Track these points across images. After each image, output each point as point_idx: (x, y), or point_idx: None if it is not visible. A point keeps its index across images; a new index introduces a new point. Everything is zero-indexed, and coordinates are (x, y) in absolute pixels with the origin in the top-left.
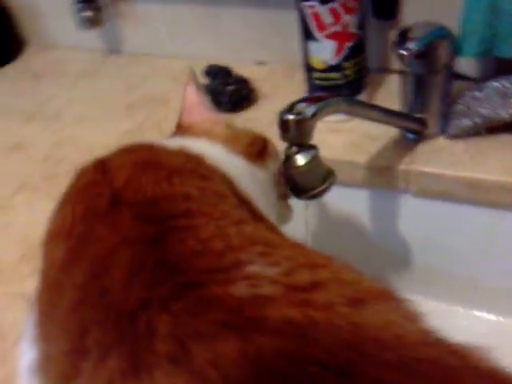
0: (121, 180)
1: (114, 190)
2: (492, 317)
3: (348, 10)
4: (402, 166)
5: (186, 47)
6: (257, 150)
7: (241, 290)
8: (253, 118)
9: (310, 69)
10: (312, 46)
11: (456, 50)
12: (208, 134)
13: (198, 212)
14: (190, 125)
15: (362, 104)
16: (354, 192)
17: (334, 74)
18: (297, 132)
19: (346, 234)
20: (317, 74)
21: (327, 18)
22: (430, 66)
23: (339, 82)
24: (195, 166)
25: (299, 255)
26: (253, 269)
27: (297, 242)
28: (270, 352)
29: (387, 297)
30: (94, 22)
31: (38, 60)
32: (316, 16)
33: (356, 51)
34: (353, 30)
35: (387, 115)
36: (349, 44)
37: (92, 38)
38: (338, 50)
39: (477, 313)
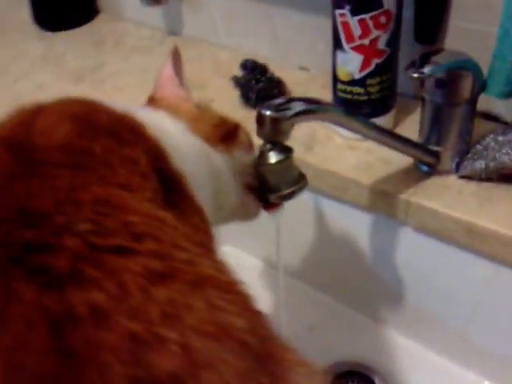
0: (41, 124)
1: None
2: (480, 379)
3: (378, 26)
4: (404, 196)
5: (237, 40)
6: (222, 133)
7: None
8: None
9: (335, 79)
10: (339, 56)
11: (482, 86)
12: (172, 109)
13: (86, 166)
14: (160, 98)
15: (364, 123)
16: (356, 213)
17: (357, 89)
18: (272, 129)
19: (342, 253)
20: (341, 86)
21: (356, 30)
22: (450, 97)
23: (361, 97)
24: (121, 130)
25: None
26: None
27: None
28: None
29: None
30: (155, 0)
31: (103, 28)
32: (346, 26)
33: (383, 69)
34: (382, 47)
35: (395, 141)
36: (376, 61)
37: (156, 16)
38: (364, 65)
39: (464, 372)
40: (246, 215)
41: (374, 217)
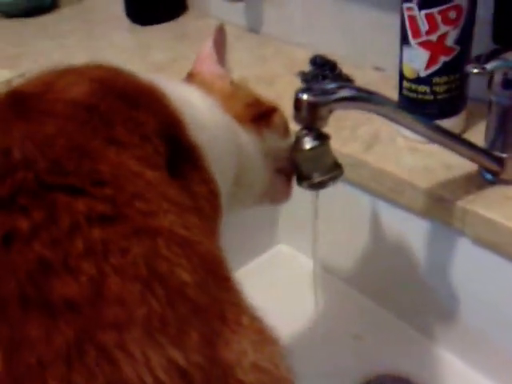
0: (61, 83)
1: (47, 88)
2: None
3: (447, 21)
4: (461, 203)
5: (314, 39)
6: (253, 113)
7: None
8: (340, 115)
9: (401, 77)
10: (406, 51)
11: None
12: (206, 85)
13: (80, 119)
14: (197, 74)
15: (414, 118)
16: (412, 219)
17: (422, 87)
18: (308, 114)
19: (395, 260)
20: (406, 84)
21: (423, 25)
22: None
23: (427, 97)
24: (136, 94)
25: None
26: None
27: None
28: None
29: None
30: None
31: (189, 24)
32: (412, 20)
33: (451, 68)
34: (451, 44)
35: (450, 141)
36: (444, 58)
37: (239, 14)
38: (431, 62)
39: None
40: (275, 198)
41: (431, 224)
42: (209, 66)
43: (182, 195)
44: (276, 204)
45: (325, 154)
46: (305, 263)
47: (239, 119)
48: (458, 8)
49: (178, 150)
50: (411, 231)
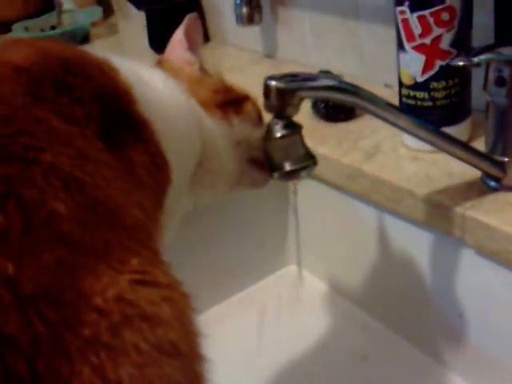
0: (10, 50)
1: None
2: None
3: (440, 23)
4: (459, 209)
5: (325, 60)
6: (221, 100)
7: None
8: (342, 128)
9: (400, 84)
10: (402, 57)
11: None
12: (173, 71)
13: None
14: (165, 60)
15: (395, 112)
16: (414, 231)
17: (420, 94)
18: (277, 101)
19: (399, 276)
20: (405, 91)
21: (416, 28)
22: None
23: (425, 103)
24: (80, 64)
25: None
26: None
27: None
28: None
29: None
30: (249, 19)
31: (209, 52)
32: (406, 24)
33: (449, 73)
34: (446, 47)
35: (443, 142)
36: (440, 62)
37: (256, 40)
38: (427, 67)
39: None
40: (252, 185)
41: (433, 236)
42: (178, 53)
43: (108, 155)
44: (253, 190)
45: (296, 143)
46: (314, 284)
47: (205, 104)
48: (450, 9)
49: (119, 121)
50: (414, 244)
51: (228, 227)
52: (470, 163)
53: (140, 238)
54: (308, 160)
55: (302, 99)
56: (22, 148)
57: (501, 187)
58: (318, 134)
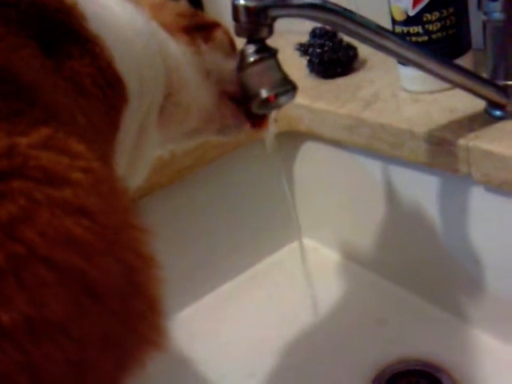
0: None
1: None
2: None
3: None
4: (462, 142)
5: None
6: (186, 24)
7: None
8: (342, 84)
9: (392, 21)
10: None
11: None
12: None
13: None
14: None
15: (398, 40)
16: (418, 175)
17: (414, 28)
18: (248, 22)
19: (408, 231)
20: (397, 28)
21: None
22: (509, 10)
23: (420, 38)
24: None
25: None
26: None
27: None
28: None
29: None
30: None
31: None
32: None
33: (442, 1)
34: None
35: (433, 63)
36: None
37: None
38: None
39: None
40: (225, 128)
41: (439, 179)
42: None
43: (40, 54)
44: (227, 136)
45: (272, 68)
46: (327, 255)
47: (168, 28)
48: None
49: (62, 33)
50: (422, 191)
51: (232, 206)
52: (472, 91)
53: (62, 120)
54: (286, 85)
55: (274, 19)
56: None
57: (506, 115)
58: (314, 91)
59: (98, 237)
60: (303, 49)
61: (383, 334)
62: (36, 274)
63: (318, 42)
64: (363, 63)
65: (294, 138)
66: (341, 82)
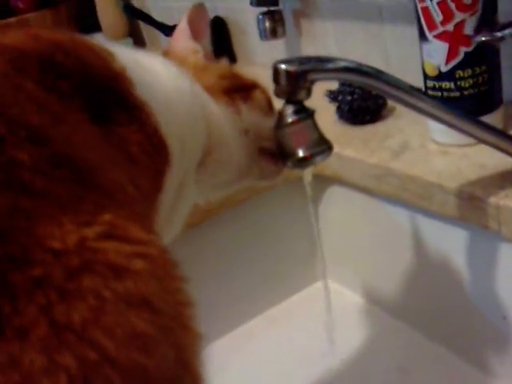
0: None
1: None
2: None
3: (462, 8)
4: (493, 199)
5: None
6: (227, 86)
7: None
8: (370, 131)
9: (424, 76)
10: (424, 48)
11: None
12: (178, 59)
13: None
14: (170, 51)
15: (432, 102)
16: (446, 227)
17: (446, 84)
18: (287, 85)
19: (434, 280)
20: (429, 83)
21: (437, 15)
22: None
23: (452, 94)
24: (72, 46)
25: None
26: None
27: None
28: None
29: None
30: (272, 33)
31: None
32: (426, 12)
33: (475, 59)
34: (470, 32)
35: (469, 124)
36: (464, 49)
37: (281, 56)
38: (451, 55)
39: None
40: (262, 177)
41: (468, 233)
42: (182, 42)
43: (92, 126)
44: (265, 182)
45: (309, 128)
46: (350, 298)
47: (210, 90)
48: None
49: (112, 101)
50: (449, 244)
51: (255, 245)
52: (503, 150)
53: (119, 200)
54: (323, 145)
55: (313, 82)
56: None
57: None
58: (343, 138)
59: (157, 328)
60: (333, 96)
61: (404, 383)
62: (105, 378)
63: (348, 89)
64: (391, 111)
65: (320, 182)
66: (369, 129)
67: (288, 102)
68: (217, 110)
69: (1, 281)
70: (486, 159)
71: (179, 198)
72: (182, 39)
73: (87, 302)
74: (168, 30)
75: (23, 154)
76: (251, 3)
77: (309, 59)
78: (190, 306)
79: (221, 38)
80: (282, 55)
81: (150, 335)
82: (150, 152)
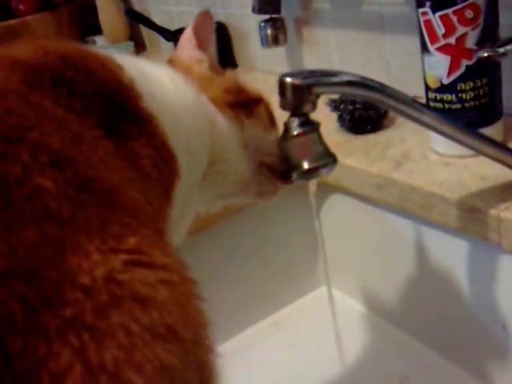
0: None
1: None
2: None
3: (464, 21)
4: (494, 211)
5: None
6: (232, 99)
7: None
8: (371, 140)
9: (426, 88)
10: (426, 60)
11: None
12: (183, 69)
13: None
14: (176, 59)
15: (434, 114)
16: (446, 238)
17: (447, 96)
18: (293, 98)
19: (435, 290)
20: (431, 94)
21: (439, 28)
22: None
23: (454, 106)
24: (81, 59)
25: None
26: None
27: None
28: None
29: None
30: (274, 40)
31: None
32: (428, 25)
33: (476, 72)
34: (471, 45)
35: (470, 136)
36: (466, 62)
37: (282, 63)
38: (452, 67)
39: None
40: (260, 194)
41: (469, 244)
42: (187, 51)
43: (108, 143)
44: (262, 200)
45: (314, 141)
46: (351, 306)
47: (215, 103)
48: (474, 7)
49: (122, 114)
50: (450, 254)
51: (257, 253)
52: (504, 163)
53: (141, 218)
54: (327, 158)
55: (318, 95)
56: (8, 127)
57: None
58: (344, 147)
59: (182, 355)
60: (334, 105)
61: None
62: None
63: (350, 99)
64: (393, 120)
65: (321, 189)
66: (371, 138)
67: (293, 114)
68: (221, 122)
69: (35, 322)
70: (487, 170)
71: (184, 209)
72: (188, 48)
73: (117, 340)
74: (168, 34)
75: (48, 181)
76: (253, 10)
77: (314, 72)
78: (208, 325)
79: (222, 44)
80: (283, 62)
81: (176, 367)
82: (160, 165)
